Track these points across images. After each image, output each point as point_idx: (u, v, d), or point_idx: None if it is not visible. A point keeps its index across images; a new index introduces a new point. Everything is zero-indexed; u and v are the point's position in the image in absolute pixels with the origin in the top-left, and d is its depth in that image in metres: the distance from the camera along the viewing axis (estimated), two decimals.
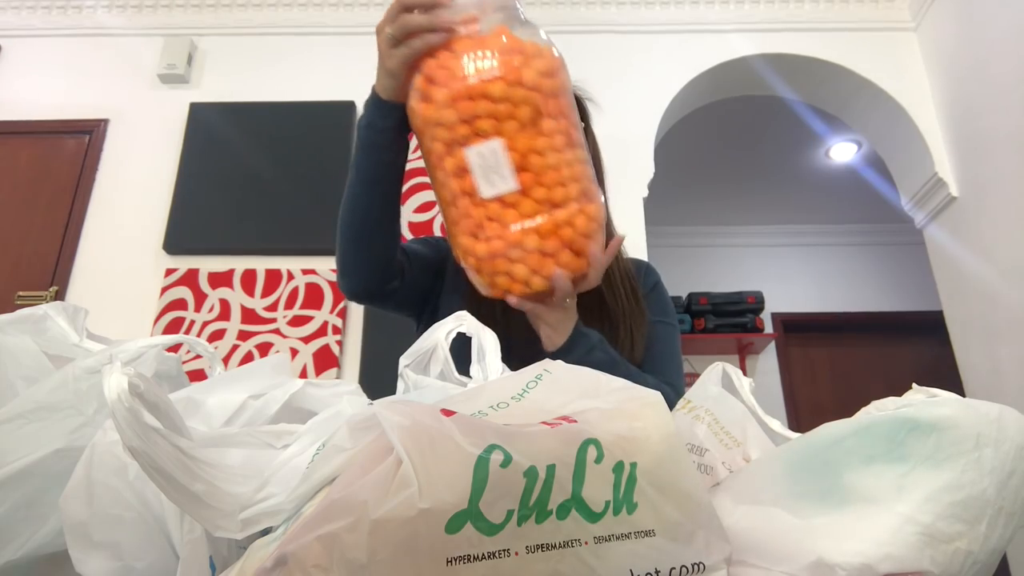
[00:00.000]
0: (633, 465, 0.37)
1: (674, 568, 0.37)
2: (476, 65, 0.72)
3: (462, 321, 0.57)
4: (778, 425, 0.61)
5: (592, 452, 0.36)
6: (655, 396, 0.42)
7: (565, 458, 0.36)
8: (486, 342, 0.55)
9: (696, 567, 0.38)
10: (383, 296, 0.97)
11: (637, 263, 1.12)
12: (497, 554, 0.32)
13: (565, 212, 0.74)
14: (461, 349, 0.56)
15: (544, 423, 0.38)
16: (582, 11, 2.94)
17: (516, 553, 0.33)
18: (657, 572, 0.37)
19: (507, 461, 0.33)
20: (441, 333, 0.57)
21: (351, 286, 0.95)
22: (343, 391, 0.62)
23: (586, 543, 0.35)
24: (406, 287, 0.99)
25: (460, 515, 0.32)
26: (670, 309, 1.08)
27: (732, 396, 0.65)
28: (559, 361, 0.48)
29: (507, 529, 0.33)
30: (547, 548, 0.34)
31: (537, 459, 0.34)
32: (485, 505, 0.32)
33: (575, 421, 0.38)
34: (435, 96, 0.74)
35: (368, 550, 0.31)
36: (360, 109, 2.79)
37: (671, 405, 0.44)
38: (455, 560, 0.32)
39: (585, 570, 0.34)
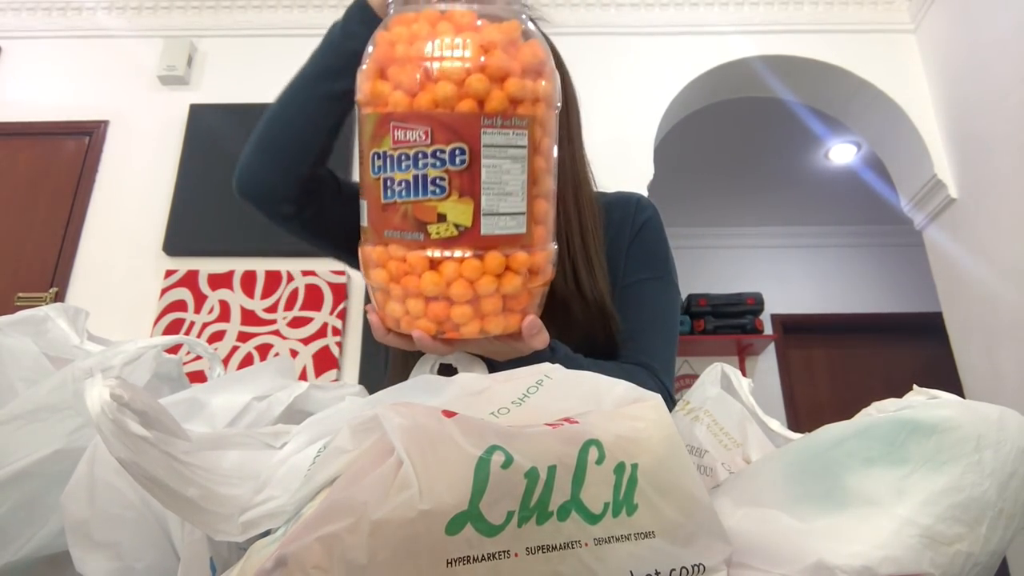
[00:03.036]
0: (634, 466, 0.37)
1: (674, 569, 0.37)
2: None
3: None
4: (777, 425, 0.61)
5: (593, 453, 0.36)
6: (656, 398, 0.43)
7: (566, 459, 0.36)
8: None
9: (696, 568, 0.38)
10: (282, 215, 0.79)
11: (620, 200, 0.88)
12: (497, 555, 0.32)
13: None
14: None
15: (546, 424, 0.38)
16: (582, 12, 2.95)
17: (516, 555, 0.33)
18: (657, 573, 0.37)
19: (508, 462, 0.33)
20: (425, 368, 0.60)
21: (249, 183, 0.77)
22: (347, 393, 0.62)
23: (586, 545, 0.35)
24: (324, 218, 0.79)
25: (460, 516, 0.32)
26: (659, 259, 0.84)
27: (731, 397, 0.65)
28: (558, 366, 0.48)
29: (507, 530, 0.33)
30: (547, 550, 0.34)
31: (538, 460, 0.34)
32: (486, 506, 0.32)
33: (577, 422, 0.38)
34: None
35: (368, 551, 0.31)
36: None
37: (660, 393, 0.44)
38: (455, 561, 0.31)
39: (585, 572, 0.34)
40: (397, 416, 0.34)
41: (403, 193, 0.50)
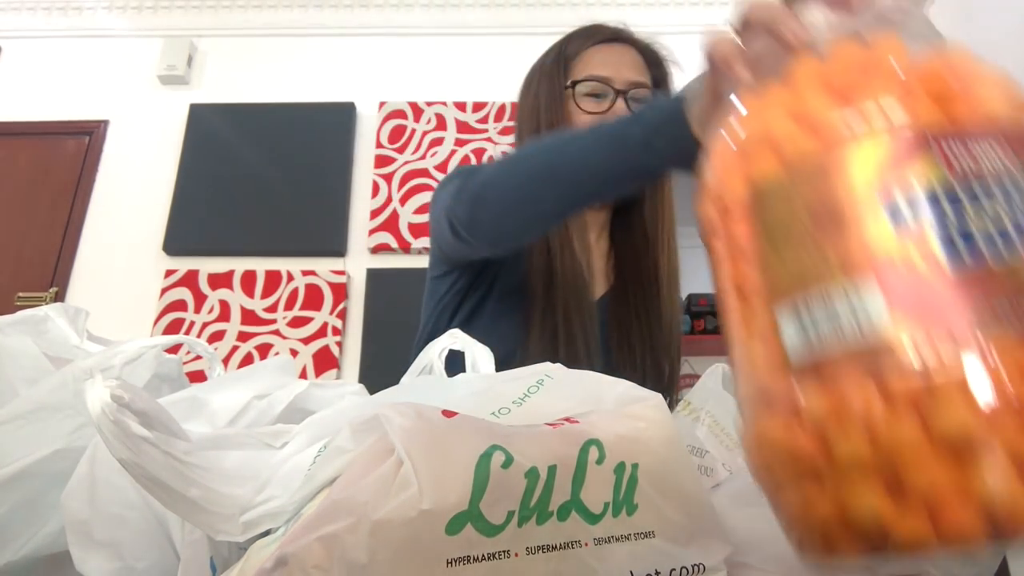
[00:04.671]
0: (635, 466, 0.37)
1: (674, 569, 0.37)
2: None
3: (455, 339, 0.58)
4: None
5: (594, 453, 0.36)
6: (657, 398, 0.43)
7: (566, 459, 0.36)
8: (479, 358, 0.56)
9: (696, 568, 0.38)
10: (469, 261, 0.87)
11: None
12: (497, 555, 0.32)
13: None
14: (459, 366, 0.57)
15: (547, 423, 0.38)
16: (582, 12, 2.95)
17: (516, 554, 0.33)
18: (657, 573, 0.37)
19: (508, 462, 0.33)
20: (434, 351, 0.59)
21: (484, 239, 0.75)
22: (347, 391, 0.62)
23: (587, 544, 0.35)
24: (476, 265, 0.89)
25: (461, 516, 0.32)
26: None
27: (732, 397, 0.65)
28: (559, 365, 0.48)
29: (508, 530, 0.33)
30: (548, 549, 0.34)
31: (538, 460, 0.34)
32: (486, 506, 0.32)
33: (577, 422, 0.38)
34: None
35: (369, 551, 0.31)
36: (359, 110, 2.79)
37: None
38: (455, 561, 0.32)
39: (586, 571, 0.34)
40: (397, 416, 0.34)
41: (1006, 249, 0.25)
